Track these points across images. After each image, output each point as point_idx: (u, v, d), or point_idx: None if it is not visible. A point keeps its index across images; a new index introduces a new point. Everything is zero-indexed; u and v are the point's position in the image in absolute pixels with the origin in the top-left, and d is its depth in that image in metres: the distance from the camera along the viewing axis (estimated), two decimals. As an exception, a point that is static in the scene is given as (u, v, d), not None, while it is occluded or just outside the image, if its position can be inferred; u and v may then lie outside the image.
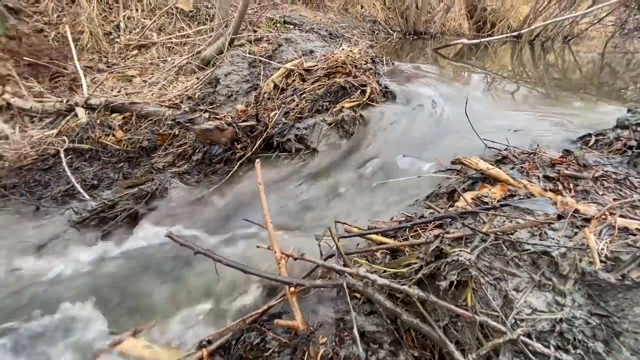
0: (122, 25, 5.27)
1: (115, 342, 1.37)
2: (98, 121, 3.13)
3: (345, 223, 1.54)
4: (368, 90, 2.91)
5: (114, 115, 3.34)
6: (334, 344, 1.25)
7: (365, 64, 3.11)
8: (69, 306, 1.61)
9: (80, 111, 3.37)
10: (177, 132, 2.87)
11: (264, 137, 2.47)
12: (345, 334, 1.28)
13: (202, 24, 5.70)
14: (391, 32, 7.98)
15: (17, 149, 3.17)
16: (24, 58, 4.16)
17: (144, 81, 4.56)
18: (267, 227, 1.40)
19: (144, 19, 5.51)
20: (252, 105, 2.86)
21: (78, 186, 2.55)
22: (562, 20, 7.33)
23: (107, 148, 2.94)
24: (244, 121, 2.54)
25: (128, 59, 5.02)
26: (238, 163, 2.39)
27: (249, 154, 2.45)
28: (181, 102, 3.56)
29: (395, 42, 7.50)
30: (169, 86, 4.18)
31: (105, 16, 5.24)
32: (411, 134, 2.60)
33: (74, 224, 2.24)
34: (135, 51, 5.18)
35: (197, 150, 2.54)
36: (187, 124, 2.51)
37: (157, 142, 2.91)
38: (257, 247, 1.42)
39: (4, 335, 1.48)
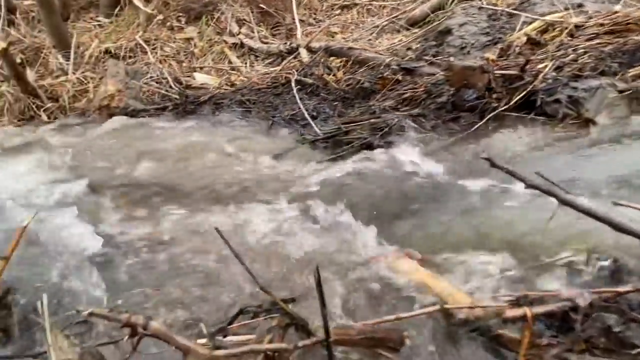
0: (332, -15, 5.55)
1: (382, 257, 1.23)
2: (322, 60, 3.27)
3: None
4: (690, 55, 2.02)
5: (331, 58, 3.46)
6: None
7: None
8: (319, 203, 1.58)
9: (303, 52, 3.63)
10: (400, 78, 2.70)
11: (528, 90, 1.99)
12: None
13: (404, -13, 5.50)
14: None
15: (248, 78, 3.67)
16: (259, 6, 4.81)
17: (344, 38, 4.67)
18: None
19: (351, -20, 5.67)
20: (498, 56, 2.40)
21: (305, 112, 2.69)
22: None
23: (327, 86, 3.03)
24: (499, 70, 2.12)
25: (332, 17, 5.27)
26: (488, 116, 2.00)
27: (502, 108, 2.02)
28: (395, 53, 3.42)
29: None
30: (374, 42, 4.14)
31: (320, -24, 5.60)
32: None
33: (306, 142, 2.34)
34: (339, 11, 5.38)
35: (432, 95, 2.28)
36: (446, 62, 2.25)
37: (377, 86, 2.81)
38: (616, 204, 0.99)
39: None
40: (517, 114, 2.05)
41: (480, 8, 3.03)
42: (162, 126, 2.50)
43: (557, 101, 2.00)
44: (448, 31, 2.97)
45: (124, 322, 0.65)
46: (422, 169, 1.69)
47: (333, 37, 4.89)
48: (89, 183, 1.72)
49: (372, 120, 2.19)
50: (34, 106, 3.25)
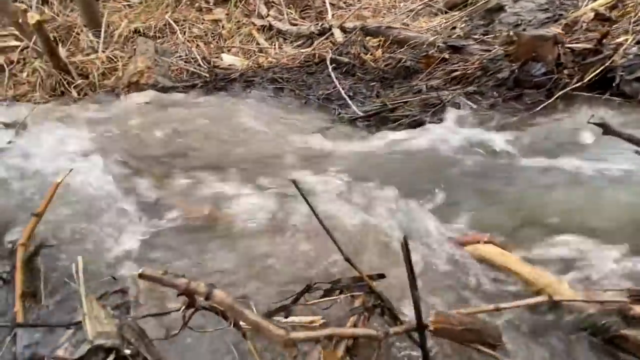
0: (363, -32, 5.32)
1: (462, 241, 1.05)
2: (358, 39, 3.09)
3: None
4: None
5: (367, 38, 3.28)
6: None
7: None
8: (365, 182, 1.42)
9: (337, 32, 3.45)
10: (447, 57, 2.48)
11: (605, 66, 1.74)
12: None
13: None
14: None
15: (277, 60, 3.52)
16: (288, -12, 4.64)
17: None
18: None
19: (384, -37, 5.43)
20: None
21: (342, 91, 2.52)
22: None
23: (364, 65, 2.85)
24: (569, 44, 1.87)
25: (363, 0, 5.07)
26: (557, 93, 1.77)
27: (573, 85, 1.79)
28: (438, 32, 3.19)
29: None
30: (411, 24, 3.92)
31: (352, -42, 5.39)
32: None
33: (345, 120, 2.17)
34: (370, -5, 5.18)
35: (488, 72, 2.06)
36: (511, 33, 2.03)
37: (419, 65, 2.60)
38: None
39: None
40: (589, 94, 1.81)
41: (537, -17, 2.76)
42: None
43: (638, 80, 1.75)
44: (500, 8, 2.72)
45: (182, 288, 0.51)
46: (490, 149, 1.49)
47: (365, 21, 4.70)
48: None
49: (423, 97, 1.99)
50: (65, 82, 3.23)
